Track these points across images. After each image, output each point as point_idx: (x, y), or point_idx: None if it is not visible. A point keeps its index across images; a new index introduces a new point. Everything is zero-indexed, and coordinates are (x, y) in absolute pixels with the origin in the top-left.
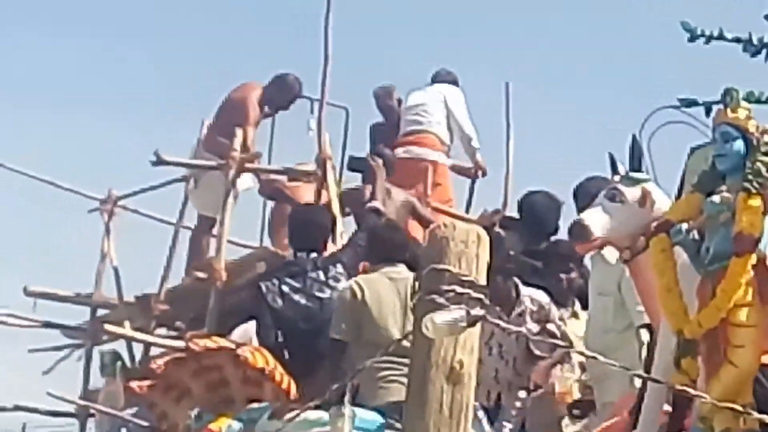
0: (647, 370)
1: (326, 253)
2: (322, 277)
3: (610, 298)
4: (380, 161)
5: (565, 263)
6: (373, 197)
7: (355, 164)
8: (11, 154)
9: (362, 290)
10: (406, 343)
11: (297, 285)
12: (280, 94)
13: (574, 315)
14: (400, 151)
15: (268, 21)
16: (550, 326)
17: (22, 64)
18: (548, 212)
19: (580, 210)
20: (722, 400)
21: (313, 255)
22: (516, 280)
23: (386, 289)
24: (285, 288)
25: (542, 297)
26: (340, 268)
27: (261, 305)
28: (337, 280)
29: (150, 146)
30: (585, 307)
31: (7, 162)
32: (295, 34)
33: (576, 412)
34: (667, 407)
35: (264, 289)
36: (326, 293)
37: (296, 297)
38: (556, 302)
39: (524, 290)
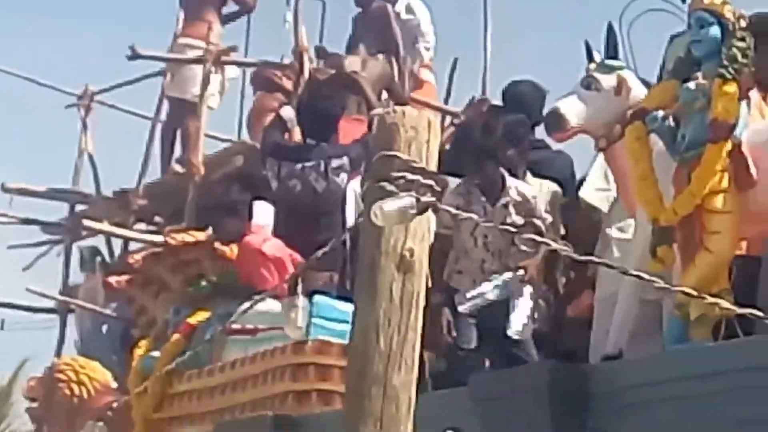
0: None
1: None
2: (322, 167)
3: None
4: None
5: (514, 137)
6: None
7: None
8: None
9: None
10: None
11: (294, 170)
12: None
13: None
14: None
15: None
16: (537, 221)
17: None
18: (533, 102)
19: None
20: (698, 286)
21: (323, 144)
22: (503, 170)
23: None
24: (283, 171)
25: (527, 190)
26: (345, 161)
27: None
28: (337, 174)
29: (126, 41)
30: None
31: None
32: None
33: None
34: None
35: (267, 165)
36: (321, 184)
37: (291, 182)
38: (510, 173)
39: (510, 181)
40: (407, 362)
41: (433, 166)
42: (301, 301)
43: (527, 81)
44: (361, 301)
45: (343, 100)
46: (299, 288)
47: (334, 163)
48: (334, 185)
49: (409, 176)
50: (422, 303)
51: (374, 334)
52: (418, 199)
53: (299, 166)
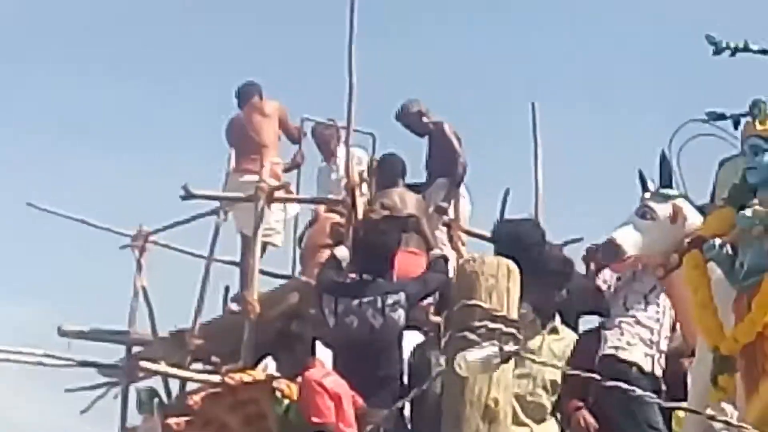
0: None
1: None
2: (379, 303)
3: None
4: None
5: (558, 278)
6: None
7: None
8: (43, 195)
9: None
10: None
11: (351, 306)
12: None
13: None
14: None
15: (292, 50)
16: None
17: (46, 103)
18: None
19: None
20: (763, 415)
21: (379, 280)
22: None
23: None
24: (340, 307)
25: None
26: (401, 297)
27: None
28: (394, 310)
29: (178, 182)
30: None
31: (39, 203)
32: (319, 61)
33: None
34: None
35: (323, 301)
36: (379, 320)
37: (348, 318)
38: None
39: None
40: None
41: (514, 314)
42: None
43: (524, 220)
44: None
45: (399, 236)
46: None
47: (391, 299)
48: (391, 321)
49: (491, 325)
50: None
51: None
52: (501, 349)
53: (356, 301)
